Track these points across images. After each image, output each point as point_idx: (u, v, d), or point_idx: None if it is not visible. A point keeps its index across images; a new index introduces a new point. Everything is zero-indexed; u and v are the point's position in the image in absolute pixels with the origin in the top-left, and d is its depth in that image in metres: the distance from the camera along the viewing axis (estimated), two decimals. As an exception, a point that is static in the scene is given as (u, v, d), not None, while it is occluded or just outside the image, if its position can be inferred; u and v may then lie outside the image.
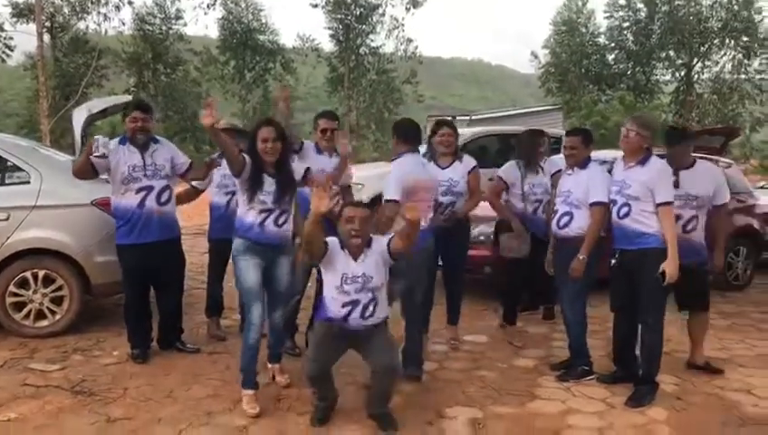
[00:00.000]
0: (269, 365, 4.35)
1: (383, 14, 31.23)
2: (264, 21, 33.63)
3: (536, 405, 4.10)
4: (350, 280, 3.55)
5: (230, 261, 4.29)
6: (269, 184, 3.88)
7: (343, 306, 3.56)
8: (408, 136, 4.45)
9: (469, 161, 5.12)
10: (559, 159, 5.71)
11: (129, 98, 7.00)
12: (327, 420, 3.73)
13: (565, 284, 4.51)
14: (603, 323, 5.65)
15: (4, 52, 28.80)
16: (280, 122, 4.15)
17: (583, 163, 4.56)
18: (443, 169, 5.01)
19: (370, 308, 3.59)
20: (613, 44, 30.81)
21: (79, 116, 5.61)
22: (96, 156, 4.26)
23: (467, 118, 13.88)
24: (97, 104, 5.57)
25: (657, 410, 4.00)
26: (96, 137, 4.29)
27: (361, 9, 30.81)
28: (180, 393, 4.13)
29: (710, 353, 4.91)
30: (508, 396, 4.22)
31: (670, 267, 3.97)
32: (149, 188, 4.49)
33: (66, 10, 28.96)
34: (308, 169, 4.26)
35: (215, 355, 4.88)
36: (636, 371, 4.26)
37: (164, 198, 4.56)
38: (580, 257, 4.34)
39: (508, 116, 14.65)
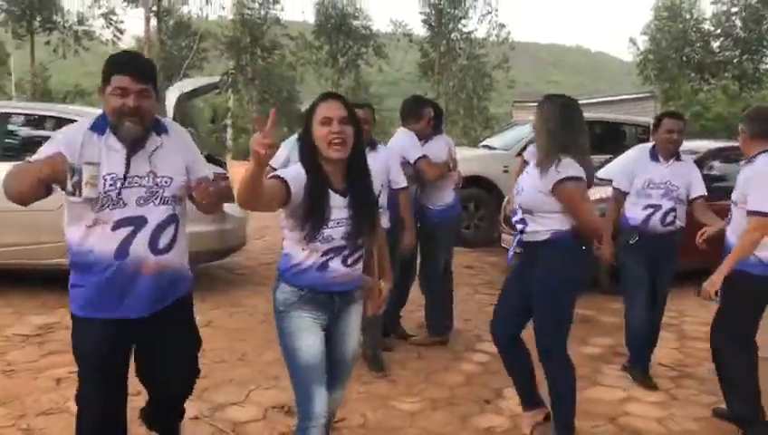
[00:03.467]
0: None
1: (476, -1, 30.96)
2: (358, 6, 34.00)
3: (596, 391, 4.11)
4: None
5: None
6: (338, 207, 2.40)
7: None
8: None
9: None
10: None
11: (217, 79, 7.35)
12: None
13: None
14: (679, 317, 5.57)
15: (115, 35, 30.65)
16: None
17: (678, 153, 4.28)
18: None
19: None
20: (719, 31, 29.23)
21: (171, 96, 5.98)
22: (67, 191, 2.23)
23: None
24: (187, 84, 5.89)
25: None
26: (80, 166, 2.22)
27: (455, -6, 30.65)
28: (253, 357, 4.38)
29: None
30: (569, 381, 4.23)
31: None
32: (139, 223, 2.42)
33: (171, -6, 30.43)
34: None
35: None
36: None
37: (165, 239, 2.49)
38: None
39: (596, 103, 14.28)
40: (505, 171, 8.49)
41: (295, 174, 2.36)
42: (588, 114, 10.86)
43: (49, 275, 5.78)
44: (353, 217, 2.42)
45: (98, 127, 2.43)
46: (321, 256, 2.41)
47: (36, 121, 5.72)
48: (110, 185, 2.36)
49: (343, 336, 2.59)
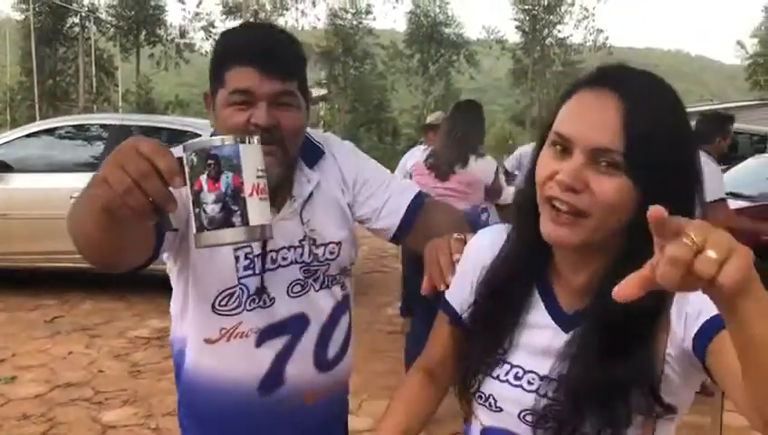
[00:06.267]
0: None
1: (572, 4, 30.43)
2: (449, 14, 34.05)
3: None
4: None
5: None
6: (539, 342, 0.95)
7: None
8: None
9: None
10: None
11: (324, 91, 7.45)
12: None
13: None
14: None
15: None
16: None
17: None
18: None
19: None
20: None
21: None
22: (206, 216, 0.81)
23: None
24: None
25: None
26: (230, 146, 0.80)
27: (550, -1, 30.25)
28: (362, 367, 4.41)
29: None
30: None
31: None
32: (299, 327, 1.32)
33: (269, 7, 31.58)
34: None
35: (394, 335, 5.15)
36: None
37: (336, 342, 1.40)
38: None
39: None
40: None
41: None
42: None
43: (166, 280, 6.05)
44: (569, 373, 0.90)
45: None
46: None
47: (152, 134, 5.97)
48: (246, 268, 1.26)
49: None
